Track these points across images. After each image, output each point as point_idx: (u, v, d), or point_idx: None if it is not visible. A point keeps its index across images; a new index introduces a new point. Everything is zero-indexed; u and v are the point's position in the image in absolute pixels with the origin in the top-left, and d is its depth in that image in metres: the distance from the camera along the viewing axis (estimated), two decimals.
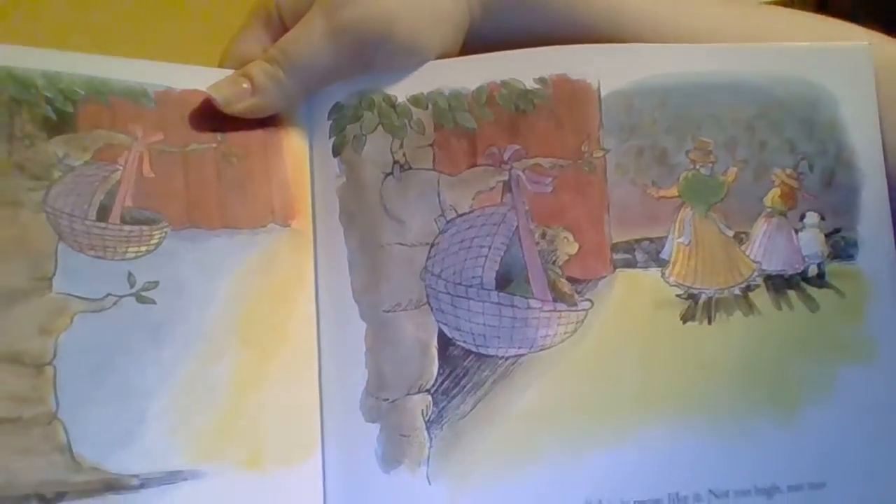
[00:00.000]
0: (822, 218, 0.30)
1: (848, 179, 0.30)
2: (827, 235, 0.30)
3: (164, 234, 0.28)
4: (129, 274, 0.27)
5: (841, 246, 0.30)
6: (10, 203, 0.27)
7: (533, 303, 0.28)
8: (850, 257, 0.29)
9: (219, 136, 0.29)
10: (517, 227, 0.29)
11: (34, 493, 0.24)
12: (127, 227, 0.28)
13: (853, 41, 0.31)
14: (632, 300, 0.29)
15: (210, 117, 0.29)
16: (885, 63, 0.30)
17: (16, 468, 0.24)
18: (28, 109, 0.27)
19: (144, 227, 0.28)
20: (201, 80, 0.30)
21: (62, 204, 0.27)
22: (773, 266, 0.29)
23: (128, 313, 0.27)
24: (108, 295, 0.27)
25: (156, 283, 0.27)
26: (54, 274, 0.26)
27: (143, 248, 0.28)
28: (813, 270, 0.29)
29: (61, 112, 0.28)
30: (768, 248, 0.29)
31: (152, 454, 0.26)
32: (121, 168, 0.28)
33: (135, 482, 0.26)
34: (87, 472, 0.25)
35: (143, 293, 0.27)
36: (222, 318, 0.28)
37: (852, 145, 0.30)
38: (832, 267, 0.29)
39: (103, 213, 0.28)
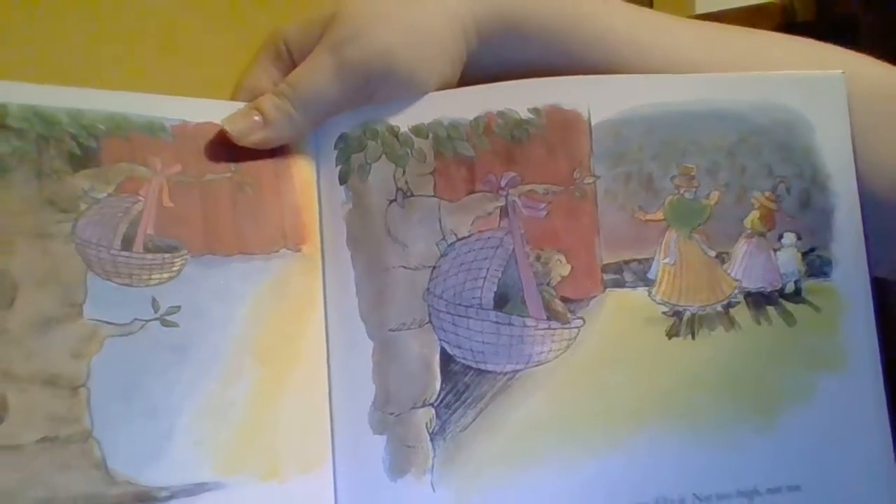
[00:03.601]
0: (799, 238, 0.31)
1: (823, 201, 0.31)
2: (803, 254, 0.31)
3: (184, 261, 0.30)
4: (154, 299, 0.29)
5: (816, 264, 0.31)
6: (42, 235, 0.28)
7: (528, 321, 0.30)
8: (825, 275, 0.31)
9: (232, 166, 0.31)
10: (513, 250, 0.31)
11: None
12: (150, 256, 0.29)
13: (834, 67, 0.32)
14: (621, 318, 0.31)
15: (224, 149, 0.31)
16: (871, 89, 0.32)
17: (56, 483, 0.26)
18: (55, 146, 0.29)
19: (166, 255, 0.30)
20: (215, 113, 0.31)
21: (89, 235, 0.29)
22: (753, 284, 0.31)
23: (153, 337, 0.28)
24: (135, 320, 0.29)
25: (178, 308, 0.29)
26: (84, 301, 0.28)
27: (166, 275, 0.30)
28: (790, 287, 0.31)
29: (85, 147, 0.29)
30: (748, 266, 0.31)
31: (179, 468, 0.28)
32: (142, 199, 0.30)
33: (164, 494, 0.28)
34: (121, 486, 0.27)
35: (167, 317, 0.29)
36: (240, 339, 0.30)
37: (827, 169, 0.31)
38: (808, 284, 0.31)
39: (127, 243, 0.29)
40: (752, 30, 0.35)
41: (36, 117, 0.29)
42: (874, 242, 0.31)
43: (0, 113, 0.28)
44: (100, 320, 0.28)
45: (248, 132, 0.31)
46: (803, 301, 0.31)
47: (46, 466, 0.26)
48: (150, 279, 0.29)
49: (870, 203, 0.31)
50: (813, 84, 0.32)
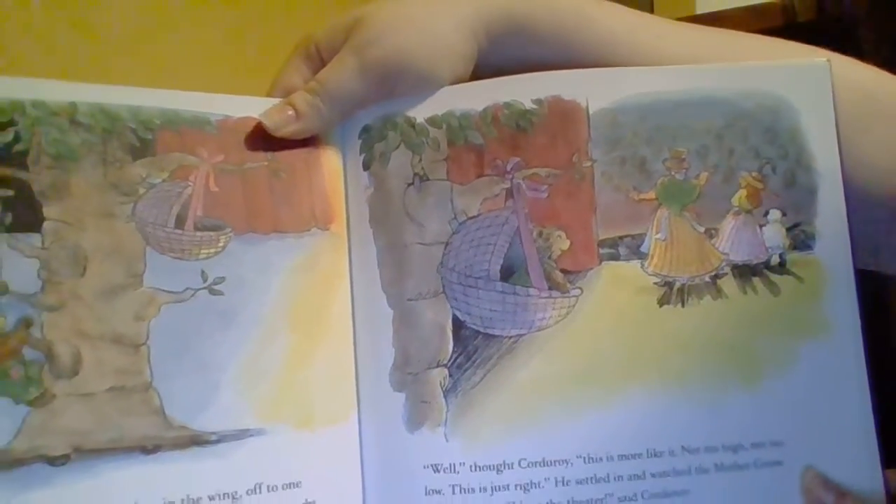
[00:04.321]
0: (784, 214, 0.34)
1: (807, 180, 0.34)
2: (788, 229, 0.34)
3: (228, 239, 0.33)
4: (202, 271, 0.33)
5: (800, 238, 0.34)
6: (107, 215, 0.32)
7: (531, 291, 0.34)
8: (809, 248, 0.33)
9: (269, 155, 0.34)
10: (518, 227, 0.34)
11: (138, 446, 0.31)
12: (199, 234, 0.33)
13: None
14: (615, 288, 0.33)
15: (262, 140, 0.34)
16: (857, 92, 0.33)
17: (123, 426, 0.30)
18: (117, 138, 0.32)
19: (212, 233, 0.33)
20: (254, 108, 0.35)
21: (147, 215, 0.32)
22: (740, 257, 0.34)
23: (202, 303, 0.32)
24: (187, 288, 0.32)
25: (223, 279, 0.33)
26: (144, 272, 0.32)
27: (212, 250, 0.33)
28: (775, 260, 0.34)
29: (142, 139, 0.33)
30: (735, 241, 0.34)
31: (226, 415, 0.32)
32: (191, 184, 0.33)
33: (213, 437, 0.32)
34: (176, 430, 0.31)
35: (214, 287, 0.33)
36: (276, 306, 0.33)
37: (811, 150, 0.34)
38: (792, 256, 0.34)
39: (180, 222, 0.33)
40: (748, 34, 0.37)
41: (101, 113, 0.33)
42: (861, 234, 0.33)
43: (71, 110, 0.32)
44: (157, 288, 0.32)
45: (283, 125, 0.35)
46: (787, 272, 0.34)
47: (115, 412, 0.31)
48: (200, 254, 0.33)
49: (857, 197, 0.33)
50: (798, 72, 0.34)
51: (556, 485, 0.32)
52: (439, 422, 0.33)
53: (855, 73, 0.35)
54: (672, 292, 0.33)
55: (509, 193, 0.34)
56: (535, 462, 0.32)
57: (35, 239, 0.31)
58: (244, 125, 0.35)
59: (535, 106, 0.34)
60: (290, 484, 0.32)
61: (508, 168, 0.34)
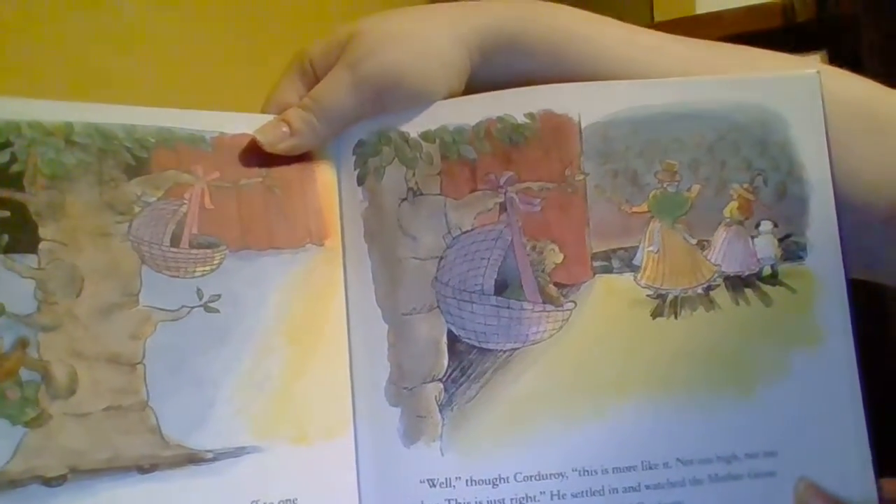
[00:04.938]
0: (776, 225, 0.34)
1: (798, 191, 0.34)
2: (780, 240, 0.34)
3: (223, 256, 0.34)
4: (198, 289, 0.33)
5: (792, 249, 0.34)
6: (103, 235, 0.33)
7: (525, 305, 0.34)
8: (800, 258, 0.34)
9: (264, 171, 0.35)
10: (511, 241, 0.34)
11: (134, 465, 0.31)
12: (194, 251, 0.33)
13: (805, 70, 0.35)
14: (609, 300, 0.34)
15: (256, 156, 0.34)
16: (846, 108, 0.34)
17: (120, 445, 0.31)
18: (112, 157, 0.33)
19: (208, 251, 0.34)
20: (248, 125, 0.35)
21: (142, 233, 0.33)
22: (732, 268, 0.34)
23: (198, 321, 0.32)
24: (183, 306, 0.33)
25: (219, 296, 0.33)
26: (140, 291, 0.32)
27: (208, 268, 0.34)
28: (767, 271, 0.34)
29: (138, 158, 0.33)
30: (727, 253, 0.34)
31: (222, 433, 0.32)
32: (187, 202, 0.34)
33: (209, 456, 0.32)
34: (173, 448, 0.31)
35: (210, 304, 0.33)
36: (272, 322, 0.33)
37: (802, 161, 0.34)
38: (784, 267, 0.34)
39: (175, 240, 0.33)
40: (739, 46, 0.37)
41: (96, 133, 0.33)
42: (853, 245, 0.33)
43: (67, 130, 0.33)
44: (153, 307, 0.32)
45: (277, 141, 0.35)
46: (779, 283, 0.34)
47: (111, 431, 0.31)
48: (195, 271, 0.33)
49: (848, 207, 0.33)
50: (788, 84, 0.34)
51: (552, 498, 0.32)
52: (435, 436, 0.33)
53: (845, 84, 0.35)
54: (665, 304, 0.34)
55: (503, 207, 0.34)
56: (531, 476, 0.32)
57: (31, 259, 0.31)
58: (239, 142, 0.35)
59: (527, 120, 0.34)
60: (286, 500, 0.32)
61: (501, 182, 0.34)
